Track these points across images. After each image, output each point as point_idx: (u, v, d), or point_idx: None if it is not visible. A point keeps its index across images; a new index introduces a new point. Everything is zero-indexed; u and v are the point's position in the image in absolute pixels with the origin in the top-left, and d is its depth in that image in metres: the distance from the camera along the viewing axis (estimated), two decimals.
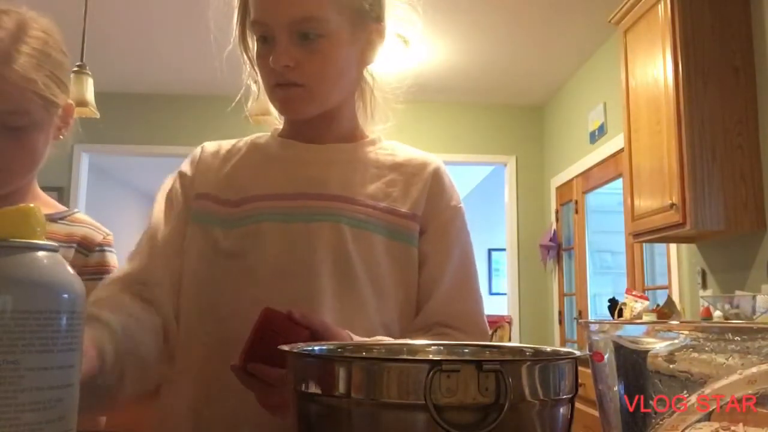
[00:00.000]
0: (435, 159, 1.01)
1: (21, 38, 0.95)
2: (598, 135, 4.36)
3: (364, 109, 1.02)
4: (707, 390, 0.38)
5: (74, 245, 1.10)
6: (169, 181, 1.00)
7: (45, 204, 1.12)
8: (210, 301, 0.90)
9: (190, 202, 0.96)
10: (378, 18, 0.95)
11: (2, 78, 0.92)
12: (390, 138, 1.04)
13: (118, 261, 1.15)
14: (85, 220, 1.16)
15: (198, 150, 1.02)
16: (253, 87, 1.01)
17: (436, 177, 0.98)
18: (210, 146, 1.03)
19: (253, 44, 0.95)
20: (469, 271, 0.97)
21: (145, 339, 0.84)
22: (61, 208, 1.15)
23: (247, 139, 1.03)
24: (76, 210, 1.18)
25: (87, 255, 1.10)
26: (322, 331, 0.72)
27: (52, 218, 1.10)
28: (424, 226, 0.94)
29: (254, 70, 0.97)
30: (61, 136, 1.08)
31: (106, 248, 1.14)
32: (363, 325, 0.87)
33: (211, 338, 0.88)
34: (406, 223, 0.93)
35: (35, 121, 0.98)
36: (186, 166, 1.00)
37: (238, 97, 1.06)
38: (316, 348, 0.56)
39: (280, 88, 0.90)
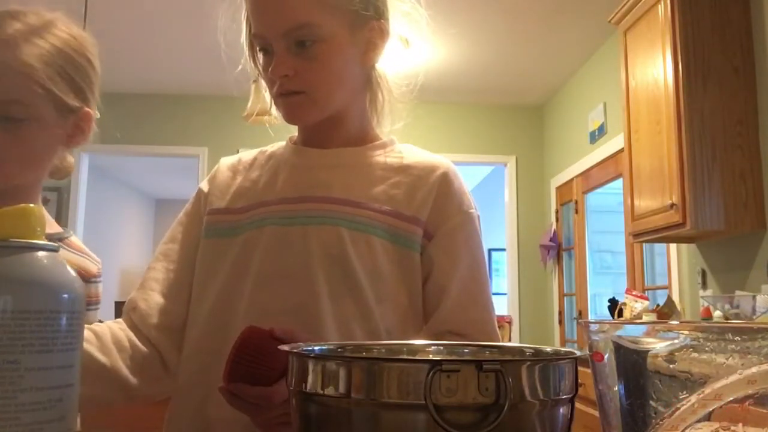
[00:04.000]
0: (445, 162, 0.98)
1: (38, 32, 0.93)
2: (598, 135, 4.36)
3: (374, 111, 1.01)
4: (707, 390, 0.38)
5: None
6: (190, 200, 1.04)
7: None
8: (218, 308, 0.90)
9: (203, 218, 0.98)
10: (378, 15, 0.94)
11: (2, 64, 0.89)
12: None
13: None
14: (80, 247, 1.12)
15: (217, 165, 1.05)
16: (265, 95, 1.03)
17: (444, 181, 0.95)
18: (227, 162, 1.05)
19: (260, 57, 0.96)
20: (480, 279, 0.95)
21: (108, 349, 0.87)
22: (58, 228, 1.11)
23: (265, 148, 1.04)
24: (71, 232, 1.14)
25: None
26: None
27: (51, 238, 1.08)
28: (431, 232, 0.92)
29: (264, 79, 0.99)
30: (76, 144, 1.03)
31: (99, 279, 1.13)
32: (364, 328, 0.86)
33: (217, 344, 0.87)
34: (408, 227, 0.91)
35: (35, 115, 0.93)
36: (204, 183, 1.03)
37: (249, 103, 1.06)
38: (316, 348, 0.56)
39: (282, 97, 0.91)
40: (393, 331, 0.88)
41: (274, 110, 0.99)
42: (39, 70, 0.92)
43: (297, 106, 0.91)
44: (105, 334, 0.87)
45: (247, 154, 1.05)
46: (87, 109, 1.01)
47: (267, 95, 1.00)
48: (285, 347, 0.50)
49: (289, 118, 0.94)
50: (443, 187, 0.95)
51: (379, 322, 0.87)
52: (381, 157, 0.98)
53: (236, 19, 0.98)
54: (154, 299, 0.94)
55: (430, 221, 0.93)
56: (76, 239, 1.14)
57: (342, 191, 0.93)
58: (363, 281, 0.87)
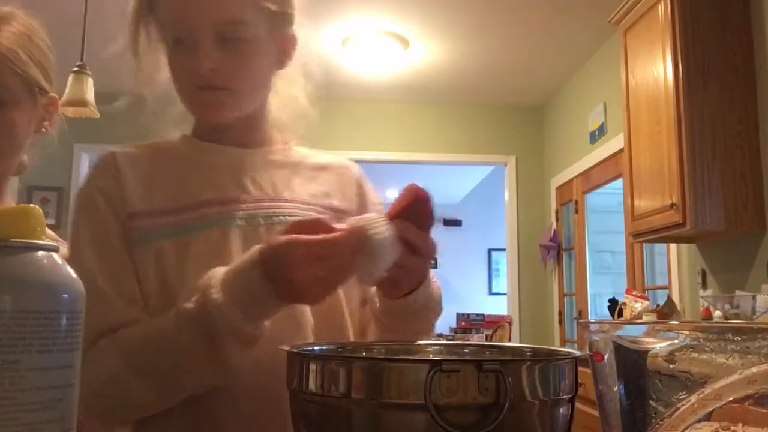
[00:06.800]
0: (351, 162, 1.06)
1: (7, 20, 0.99)
2: (598, 135, 4.36)
3: (273, 116, 1.02)
4: (707, 390, 0.38)
5: None
6: (84, 197, 0.89)
7: None
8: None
9: (125, 222, 0.87)
10: (290, 22, 0.96)
11: None
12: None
13: None
14: (51, 234, 1.13)
15: (110, 159, 0.92)
16: (146, 92, 0.96)
17: (360, 178, 1.04)
18: (124, 155, 0.94)
19: (153, 47, 0.92)
20: None
21: None
22: None
23: (155, 144, 0.98)
24: None
25: None
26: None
27: None
28: None
29: (140, 68, 0.94)
30: (44, 129, 1.07)
31: None
32: (336, 322, 0.90)
33: None
34: (344, 218, 0.92)
35: (15, 98, 0.98)
36: (105, 180, 0.89)
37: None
38: (316, 348, 0.56)
39: (204, 91, 0.88)
40: (354, 314, 0.94)
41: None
42: (20, 54, 0.97)
43: (219, 102, 0.89)
44: None
45: (137, 149, 0.96)
46: (53, 94, 1.06)
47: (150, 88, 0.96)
48: (285, 347, 0.50)
49: (207, 113, 0.92)
50: (361, 183, 1.04)
51: (347, 319, 0.92)
52: (297, 156, 1.01)
53: None
54: (128, 316, 0.82)
55: (357, 214, 0.94)
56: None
57: (287, 190, 0.95)
58: None
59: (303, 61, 0.99)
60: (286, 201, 0.94)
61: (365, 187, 1.04)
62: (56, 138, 1.10)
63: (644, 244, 3.74)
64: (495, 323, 5.38)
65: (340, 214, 0.94)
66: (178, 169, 0.94)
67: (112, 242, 0.86)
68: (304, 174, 0.99)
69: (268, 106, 1.00)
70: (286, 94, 1.01)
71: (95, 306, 0.69)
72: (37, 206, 0.48)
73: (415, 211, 0.75)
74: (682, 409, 0.38)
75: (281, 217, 0.91)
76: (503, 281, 5.97)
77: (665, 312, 3.01)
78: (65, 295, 0.45)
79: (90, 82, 2.87)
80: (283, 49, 0.96)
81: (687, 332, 0.44)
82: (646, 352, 0.45)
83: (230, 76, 0.88)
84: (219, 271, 0.75)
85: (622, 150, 3.41)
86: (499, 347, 0.63)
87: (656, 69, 2.90)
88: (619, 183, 3.98)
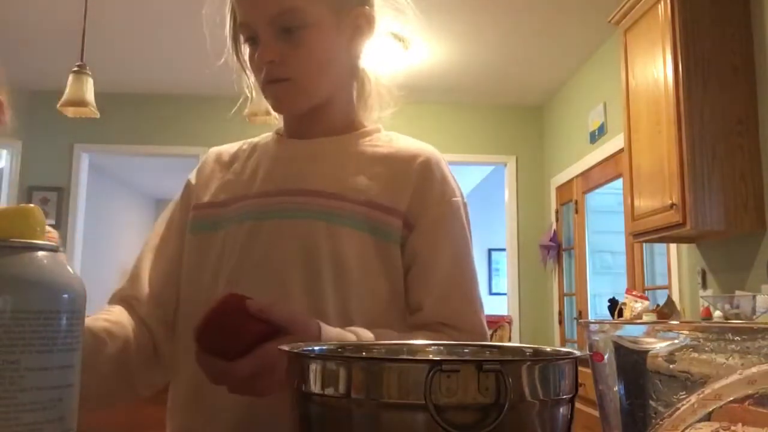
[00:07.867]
0: (428, 150, 0.95)
1: None
2: (598, 135, 4.36)
3: (361, 99, 0.99)
4: (707, 390, 0.38)
5: None
6: (179, 192, 1.01)
7: None
8: (200, 305, 0.88)
9: (189, 212, 0.96)
10: (363, 1, 0.93)
11: None
12: None
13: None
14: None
15: (204, 157, 1.03)
16: (246, 92, 1.01)
17: (425, 170, 0.91)
18: (214, 152, 1.03)
19: (245, 50, 0.95)
20: (463, 270, 0.91)
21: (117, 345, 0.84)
22: None
23: (252, 140, 1.03)
24: None
25: None
26: (287, 325, 0.71)
27: None
28: (412, 222, 0.89)
29: (246, 75, 0.98)
30: None
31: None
32: (339, 324, 0.83)
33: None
34: (386, 219, 0.88)
35: None
36: (192, 175, 1.01)
37: (240, 101, 1.04)
38: (315, 348, 0.56)
39: (270, 84, 0.89)
40: (372, 327, 0.83)
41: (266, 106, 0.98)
42: None
43: (284, 93, 0.90)
44: (119, 328, 0.86)
45: (233, 145, 1.03)
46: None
47: (248, 90, 0.99)
48: (284, 347, 0.50)
49: (277, 106, 0.93)
50: (423, 176, 0.91)
51: (356, 317, 0.84)
52: (363, 146, 0.95)
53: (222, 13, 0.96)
54: (146, 292, 0.93)
55: (411, 212, 0.89)
56: None
57: (318, 183, 0.90)
58: (338, 276, 0.85)
59: (381, 40, 0.96)
60: (299, 195, 0.90)
61: (426, 183, 0.91)
62: (9, 131, 1.15)
63: (644, 244, 3.74)
64: (495, 323, 5.37)
65: (382, 210, 0.88)
66: (244, 164, 0.98)
67: (171, 227, 0.98)
68: (355, 165, 0.92)
69: (347, 92, 0.97)
70: (367, 75, 0.99)
71: (124, 276, 0.95)
72: (37, 206, 0.48)
73: (214, 336, 0.70)
74: (682, 409, 0.38)
75: (295, 213, 0.89)
76: (503, 281, 5.97)
77: (665, 312, 3.01)
78: (65, 295, 0.45)
79: (90, 82, 2.88)
80: (356, 28, 0.92)
81: (687, 332, 0.44)
82: (646, 352, 0.45)
83: (291, 66, 0.88)
84: None
85: (622, 150, 3.41)
86: (499, 347, 0.63)
87: (656, 69, 2.90)
88: (619, 183, 3.98)
